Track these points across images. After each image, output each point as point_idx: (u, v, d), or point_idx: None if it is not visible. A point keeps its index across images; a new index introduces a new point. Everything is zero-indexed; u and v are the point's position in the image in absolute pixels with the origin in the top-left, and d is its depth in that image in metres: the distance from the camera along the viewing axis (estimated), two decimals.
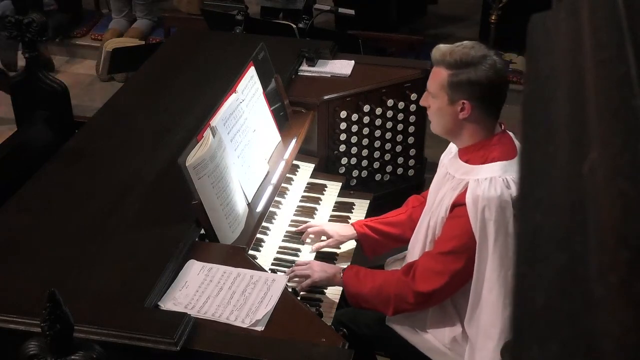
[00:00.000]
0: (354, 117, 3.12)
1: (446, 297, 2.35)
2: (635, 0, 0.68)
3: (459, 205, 2.25)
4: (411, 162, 3.35)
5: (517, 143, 2.33)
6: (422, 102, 2.40)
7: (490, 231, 2.17)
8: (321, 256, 2.70)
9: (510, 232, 2.17)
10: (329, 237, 2.69)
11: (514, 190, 2.16)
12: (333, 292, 2.53)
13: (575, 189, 0.61)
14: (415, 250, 2.45)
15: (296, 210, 2.86)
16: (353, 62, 3.29)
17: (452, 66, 2.23)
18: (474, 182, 2.22)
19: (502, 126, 2.33)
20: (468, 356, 2.33)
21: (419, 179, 3.41)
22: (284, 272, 2.54)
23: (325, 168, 3.14)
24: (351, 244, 2.75)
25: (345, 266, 2.57)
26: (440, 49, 2.28)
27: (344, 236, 2.70)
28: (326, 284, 2.52)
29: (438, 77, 2.27)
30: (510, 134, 2.35)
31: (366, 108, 3.13)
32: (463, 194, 2.23)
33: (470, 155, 2.30)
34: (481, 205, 2.18)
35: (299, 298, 2.40)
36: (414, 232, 2.50)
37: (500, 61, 2.27)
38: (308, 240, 2.72)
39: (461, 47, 2.26)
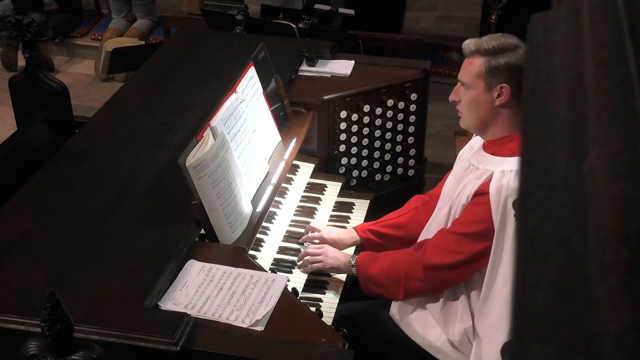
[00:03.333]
0: (354, 117, 3.12)
1: (455, 280, 2.35)
2: (635, 0, 0.68)
3: (481, 194, 2.26)
4: (411, 162, 3.35)
5: None
6: (451, 97, 2.40)
7: (510, 222, 2.19)
8: None
9: None
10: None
11: None
12: (333, 293, 2.53)
13: (575, 189, 0.61)
14: (430, 236, 2.45)
15: (296, 210, 2.86)
16: (353, 62, 3.29)
17: (490, 52, 2.27)
18: (500, 173, 2.24)
19: None
20: (474, 354, 2.32)
21: (419, 179, 3.41)
22: (284, 272, 2.54)
23: (325, 168, 3.14)
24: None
25: (355, 253, 2.58)
26: (473, 40, 2.33)
27: (343, 245, 2.68)
28: (336, 271, 2.54)
29: (473, 66, 2.30)
30: None
31: (366, 108, 3.13)
32: (487, 183, 2.25)
33: (497, 148, 2.32)
34: (504, 195, 2.19)
35: (298, 298, 2.41)
36: (428, 222, 2.50)
37: None
38: (307, 244, 2.72)
39: (495, 36, 2.31)
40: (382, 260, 2.43)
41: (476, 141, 2.45)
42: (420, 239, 2.51)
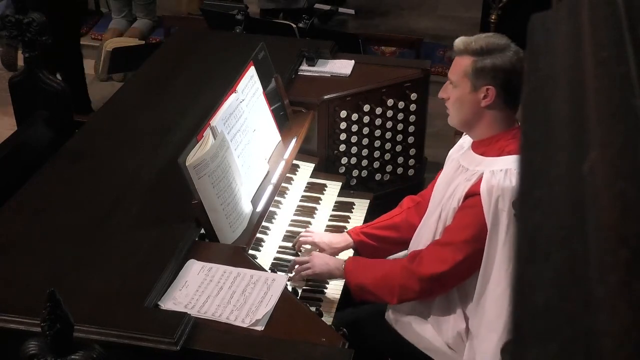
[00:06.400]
0: (354, 116, 3.12)
1: (451, 286, 2.34)
2: (635, 0, 0.68)
3: (472, 195, 2.25)
4: (411, 162, 3.35)
5: None
6: (440, 94, 2.39)
7: (502, 222, 2.18)
8: None
9: None
10: (320, 249, 2.65)
11: None
12: (333, 292, 2.53)
13: (575, 189, 0.61)
14: (422, 241, 2.43)
15: (296, 210, 2.86)
16: (353, 62, 3.29)
17: (477, 52, 2.25)
18: (489, 173, 2.22)
19: (519, 122, 2.33)
20: (467, 352, 2.32)
21: (419, 179, 3.41)
22: (284, 272, 2.53)
23: (325, 168, 3.14)
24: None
25: (346, 259, 2.55)
26: (463, 39, 2.31)
27: (336, 248, 2.66)
28: (327, 277, 2.52)
29: (461, 65, 2.29)
30: None
31: (366, 108, 3.13)
32: (477, 184, 2.23)
33: (485, 148, 2.31)
34: (495, 195, 2.18)
35: (298, 298, 2.41)
36: (419, 225, 2.48)
37: (521, 51, 2.27)
38: (302, 249, 2.70)
39: (483, 36, 2.29)
40: (375, 270, 2.40)
41: (465, 140, 2.45)
42: (412, 242, 2.50)
